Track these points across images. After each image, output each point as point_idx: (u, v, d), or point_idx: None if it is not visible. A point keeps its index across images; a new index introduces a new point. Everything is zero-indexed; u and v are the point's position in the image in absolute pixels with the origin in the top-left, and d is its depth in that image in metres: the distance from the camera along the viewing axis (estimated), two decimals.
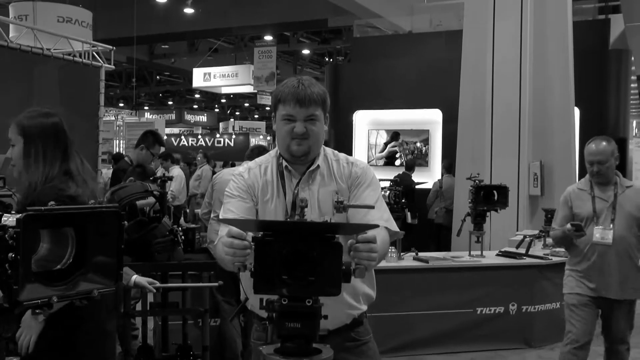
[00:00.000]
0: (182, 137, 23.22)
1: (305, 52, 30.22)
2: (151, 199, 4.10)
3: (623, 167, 11.95)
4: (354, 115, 12.62)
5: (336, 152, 2.60)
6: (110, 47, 8.43)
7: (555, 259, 6.33)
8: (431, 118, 11.80)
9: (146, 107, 36.57)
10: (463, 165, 9.00)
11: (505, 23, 8.63)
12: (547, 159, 8.80)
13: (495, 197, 6.20)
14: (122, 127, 16.64)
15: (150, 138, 5.88)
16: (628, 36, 13.88)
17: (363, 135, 12.70)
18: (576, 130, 9.36)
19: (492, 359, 5.80)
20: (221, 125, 33.23)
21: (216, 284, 4.02)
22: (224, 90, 25.61)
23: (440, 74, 10.89)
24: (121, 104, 33.12)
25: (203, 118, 33.68)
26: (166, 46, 27.66)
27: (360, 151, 12.68)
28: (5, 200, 2.34)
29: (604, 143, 4.36)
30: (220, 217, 2.49)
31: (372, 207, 2.30)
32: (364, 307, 2.54)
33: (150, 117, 30.22)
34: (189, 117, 32.38)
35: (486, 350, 5.94)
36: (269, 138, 29.39)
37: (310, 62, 33.16)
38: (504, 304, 6.08)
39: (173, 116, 31.03)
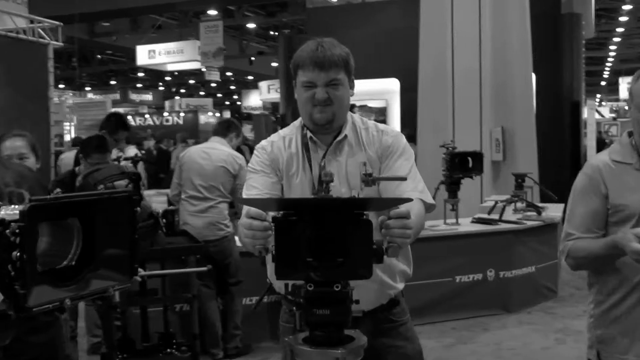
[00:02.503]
0: (129, 116, 22.57)
1: (251, 26, 29.74)
2: (123, 181, 3.86)
3: (577, 130, 12.11)
4: None
5: (365, 119, 2.43)
6: (58, 23, 8.00)
7: (530, 223, 6.33)
8: (389, 87, 11.69)
9: (88, 88, 35.50)
10: (425, 134, 8.91)
11: None
12: (508, 125, 8.77)
13: (470, 164, 6.13)
14: (73, 108, 16.00)
15: (113, 122, 5.54)
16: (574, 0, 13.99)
17: None
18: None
19: (473, 327, 5.76)
20: (167, 103, 32.49)
21: (205, 268, 3.83)
22: (170, 68, 25.00)
23: (397, 43, 10.76)
24: (61, 85, 32.02)
25: (148, 97, 32.86)
26: (107, 24, 26.81)
27: None
28: None
29: None
30: (244, 194, 2.33)
31: (404, 179, 2.13)
32: (401, 286, 2.40)
33: (94, 97, 29.36)
34: (134, 96, 31.54)
35: (467, 318, 5.91)
36: (217, 115, 28.92)
37: (257, 37, 32.69)
38: (482, 270, 6.05)
39: (117, 96, 30.16)
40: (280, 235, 1.62)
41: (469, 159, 6.16)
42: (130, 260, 1.69)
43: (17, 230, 1.41)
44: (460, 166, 6.08)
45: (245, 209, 1.85)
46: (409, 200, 1.80)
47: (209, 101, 33.32)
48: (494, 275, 6.09)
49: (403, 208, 1.79)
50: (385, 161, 2.31)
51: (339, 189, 2.22)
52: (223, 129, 5.29)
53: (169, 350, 4.15)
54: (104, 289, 1.64)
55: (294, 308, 1.81)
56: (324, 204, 1.71)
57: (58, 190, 1.56)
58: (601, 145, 23.54)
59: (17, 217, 1.46)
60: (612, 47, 38.48)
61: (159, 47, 22.48)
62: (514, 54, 8.70)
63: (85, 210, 1.61)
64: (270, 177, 2.27)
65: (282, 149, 2.31)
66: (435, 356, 4.94)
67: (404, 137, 2.40)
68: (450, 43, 8.59)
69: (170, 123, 23.01)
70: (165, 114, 24.23)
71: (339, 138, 2.29)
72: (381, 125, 2.40)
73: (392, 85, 11.64)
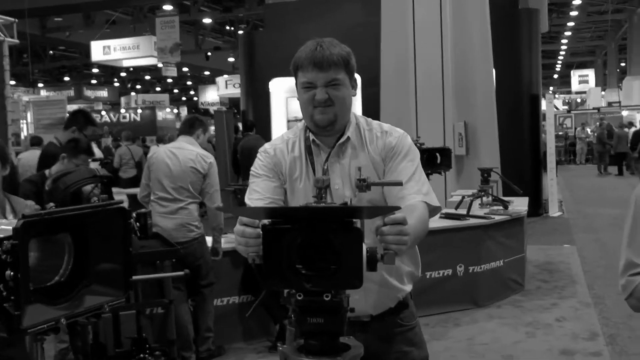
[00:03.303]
0: None
1: (207, 21, 29.46)
2: (89, 186, 3.74)
3: (536, 123, 12.29)
4: (270, 83, 12.36)
5: (369, 119, 2.35)
6: (12, 19, 7.79)
7: (497, 218, 6.38)
8: None
9: (41, 84, 34.70)
10: None
11: None
12: (470, 119, 8.83)
13: (439, 160, 6.15)
14: (27, 106, 15.54)
15: (81, 119, 5.37)
16: None
17: (281, 104, 12.46)
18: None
19: (445, 322, 5.79)
20: (123, 99, 31.98)
21: (181, 273, 3.74)
22: (125, 64, 24.57)
23: (357, 39, 10.67)
24: (12, 82, 31.25)
25: (104, 93, 32.31)
26: (60, 19, 26.25)
27: (278, 120, 12.45)
28: None
29: None
30: (246, 198, 2.25)
31: (400, 184, 2.07)
32: (409, 288, 2.33)
33: (51, 95, 28.71)
34: (88, 92, 30.97)
35: (438, 313, 5.92)
36: (175, 111, 28.59)
37: (212, 32, 32.43)
38: (452, 266, 6.07)
39: (72, 92, 29.56)
40: (268, 243, 1.59)
41: (437, 154, 6.17)
42: (124, 274, 1.63)
43: (10, 248, 1.34)
44: (428, 162, 6.09)
45: (239, 218, 1.80)
46: (398, 208, 1.77)
47: (165, 97, 32.89)
48: (463, 270, 6.13)
49: (400, 213, 1.75)
50: (389, 163, 2.24)
51: (343, 192, 2.19)
52: (187, 127, 5.18)
53: (142, 355, 4.05)
54: (99, 306, 1.57)
55: (291, 316, 1.78)
56: (313, 213, 1.67)
57: (52, 204, 1.49)
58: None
59: (7, 233, 1.39)
60: (564, 41, 39.22)
61: (114, 42, 22.08)
62: (475, 49, 8.76)
63: (76, 224, 1.54)
64: (273, 181, 2.22)
65: (285, 153, 2.26)
66: None
67: (409, 137, 2.33)
68: (412, 38, 8.60)
69: (127, 120, 22.66)
70: (122, 110, 23.82)
71: (341, 140, 2.22)
72: (385, 126, 2.32)
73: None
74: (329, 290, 1.61)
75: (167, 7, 21.93)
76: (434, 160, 6.16)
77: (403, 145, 2.25)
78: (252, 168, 2.29)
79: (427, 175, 6.06)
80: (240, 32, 30.00)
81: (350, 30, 11.33)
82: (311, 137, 2.23)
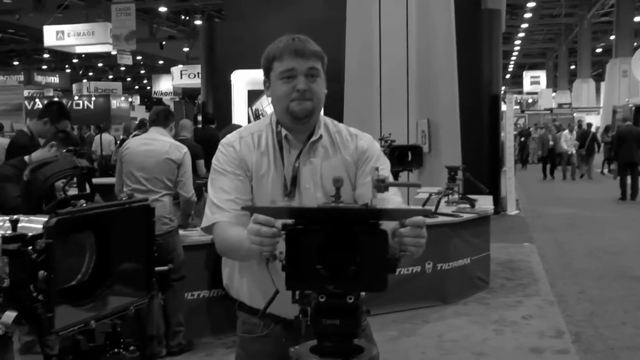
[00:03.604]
0: (37, 100, 21.52)
1: (163, 9, 29.03)
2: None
3: (496, 122, 12.47)
4: (232, 75, 12.22)
5: (335, 121, 2.31)
6: None
7: (466, 216, 6.44)
8: None
9: None
10: (351, 125, 8.87)
11: None
12: (433, 117, 8.90)
13: (409, 157, 6.17)
14: None
15: (55, 111, 5.19)
16: None
17: (242, 96, 12.33)
18: None
19: (413, 318, 5.82)
20: (75, 86, 31.24)
21: (166, 267, 3.64)
22: (79, 50, 23.97)
23: (319, 33, 10.54)
24: None
25: (55, 79, 31.44)
26: (9, 1, 25.49)
27: (239, 112, 12.32)
28: None
29: None
30: (211, 197, 2.13)
31: (419, 185, 2.07)
32: None
33: (6, 80, 27.89)
34: (39, 78, 30.09)
35: (406, 310, 5.94)
36: (130, 99, 28.08)
37: (167, 21, 31.98)
38: (421, 263, 6.10)
39: (21, 77, 28.71)
40: (292, 244, 1.55)
41: (409, 152, 6.19)
42: (147, 274, 1.57)
43: (44, 247, 1.27)
44: (399, 160, 6.11)
45: (253, 216, 1.75)
46: (430, 210, 1.76)
47: (118, 85, 32.29)
48: (431, 267, 6.17)
49: (419, 217, 1.73)
50: (362, 166, 2.22)
51: (314, 194, 2.14)
52: (163, 119, 5.08)
53: (116, 350, 3.95)
54: (125, 307, 1.52)
55: (300, 316, 1.75)
56: (342, 214, 1.65)
57: (82, 201, 1.42)
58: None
59: (34, 231, 1.32)
60: (517, 42, 39.98)
61: (67, 28, 21.51)
62: (439, 47, 8.82)
63: (101, 223, 1.48)
64: (240, 178, 2.13)
65: (251, 147, 2.17)
66: (380, 350, 4.94)
67: (376, 142, 2.34)
68: (377, 35, 8.60)
69: (80, 107, 22.13)
70: (76, 97, 23.26)
71: (314, 138, 2.17)
72: (352, 129, 2.31)
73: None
74: (351, 292, 1.60)
75: None
76: (405, 158, 6.18)
77: (374, 149, 2.25)
78: (214, 162, 2.18)
79: (397, 172, 6.15)
80: (198, 22, 29.82)
81: (312, 24, 11.23)
82: (283, 132, 2.16)
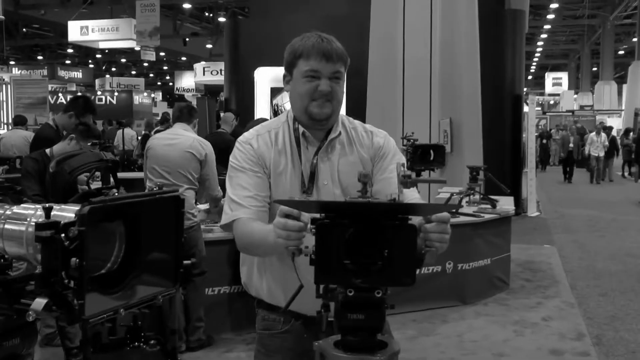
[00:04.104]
0: (60, 94, 21.72)
1: (187, 6, 29.16)
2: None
3: (518, 123, 12.39)
4: (255, 72, 12.25)
5: (350, 118, 2.33)
6: None
7: (487, 216, 6.41)
8: None
9: (12, 62, 34.04)
10: (374, 123, 8.79)
11: None
12: (456, 117, 8.86)
13: (432, 157, 6.14)
14: (8, 85, 15.18)
15: (81, 105, 5.24)
16: None
17: (265, 93, 12.36)
18: None
19: (432, 318, 5.81)
20: (97, 81, 31.51)
21: (189, 261, 3.67)
22: (102, 45, 24.18)
23: (343, 29, 10.61)
24: None
25: (78, 74, 31.69)
26: None
27: (262, 109, 12.35)
28: None
29: None
30: (230, 194, 2.15)
31: (444, 182, 2.08)
32: None
33: (18, 73, 28.16)
34: (62, 73, 30.35)
35: (426, 309, 5.93)
36: (153, 95, 28.25)
37: (191, 17, 32.12)
38: (441, 262, 6.09)
39: (45, 72, 28.99)
40: (322, 239, 1.55)
41: (431, 151, 6.17)
42: (175, 264, 1.59)
43: (77, 234, 1.29)
44: (421, 158, 6.08)
45: (280, 207, 1.76)
46: (460, 206, 1.77)
47: (140, 81, 32.48)
48: (452, 267, 6.15)
49: (444, 213, 1.74)
50: (378, 162, 2.23)
51: (332, 190, 2.15)
52: (187, 115, 5.12)
53: (137, 344, 3.98)
54: (153, 296, 1.53)
55: (322, 311, 1.76)
56: (371, 209, 1.65)
57: (114, 190, 1.44)
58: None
59: (69, 219, 1.34)
60: (539, 43, 39.68)
61: (92, 23, 21.67)
62: (462, 47, 8.78)
63: (131, 212, 1.49)
64: (259, 175, 2.14)
65: (269, 144, 2.17)
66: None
67: (391, 138, 2.34)
68: (401, 33, 8.58)
69: (103, 102, 22.31)
70: (99, 92, 23.46)
71: (332, 135, 2.18)
72: (367, 126, 2.33)
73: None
74: (379, 287, 1.60)
75: None
76: (427, 157, 6.15)
77: (390, 146, 2.27)
78: (232, 159, 2.19)
79: (420, 171, 6.13)
80: (221, 19, 29.95)
81: (336, 20, 11.26)
82: (300, 129, 2.17)
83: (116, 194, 1.45)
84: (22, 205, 1.57)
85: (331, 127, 2.20)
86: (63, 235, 1.30)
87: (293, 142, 2.19)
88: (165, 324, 4.59)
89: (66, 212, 1.41)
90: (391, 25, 8.63)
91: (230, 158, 2.22)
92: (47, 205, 1.36)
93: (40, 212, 1.46)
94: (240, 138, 2.23)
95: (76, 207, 1.40)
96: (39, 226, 1.31)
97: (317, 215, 1.63)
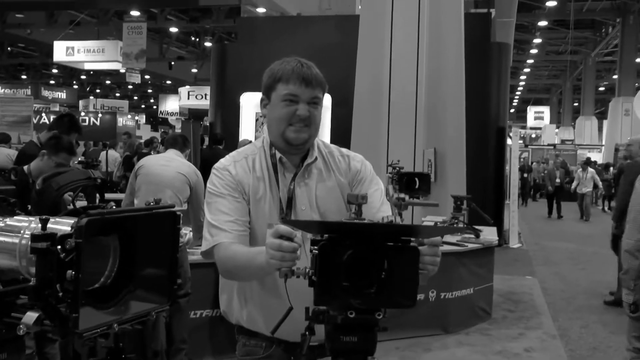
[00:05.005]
0: (43, 114, 21.58)
1: (173, 30, 29.26)
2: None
3: (501, 155, 12.49)
4: (241, 97, 12.29)
5: (325, 142, 2.33)
6: None
7: (470, 246, 6.43)
8: None
9: None
10: (359, 151, 8.83)
11: (403, 10, 8.60)
12: (440, 147, 8.91)
13: (417, 185, 6.16)
14: None
15: (66, 124, 5.20)
16: (497, 29, 14.48)
17: (250, 118, 12.39)
18: None
19: (415, 347, 5.79)
20: (81, 102, 31.38)
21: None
22: (88, 67, 24.13)
23: (330, 58, 10.76)
24: None
25: (62, 95, 31.52)
26: (21, 15, 25.71)
27: (247, 134, 12.37)
28: None
29: None
30: (210, 220, 2.10)
31: (437, 205, 2.09)
32: None
33: (2, 91, 28.02)
34: (46, 92, 30.19)
35: (408, 337, 5.91)
36: (137, 118, 28.16)
37: (177, 41, 32.24)
38: (425, 291, 6.08)
39: (28, 91, 28.82)
40: (324, 259, 1.54)
41: (416, 179, 6.19)
42: (169, 280, 1.57)
43: (74, 246, 1.27)
44: (407, 186, 6.10)
45: (274, 227, 1.74)
46: (457, 230, 1.79)
47: (125, 103, 32.44)
48: (435, 295, 6.14)
49: (437, 237, 1.78)
50: (357, 187, 2.23)
51: (310, 215, 2.13)
52: (182, 144, 5.21)
53: None
54: (146, 312, 1.51)
55: (306, 333, 1.75)
56: (374, 230, 1.65)
57: (112, 203, 1.42)
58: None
59: (64, 232, 1.32)
60: (522, 77, 40.24)
61: (78, 44, 21.67)
62: (449, 78, 8.84)
63: (126, 226, 1.48)
64: (239, 200, 2.11)
65: (246, 170, 2.16)
66: None
67: (368, 162, 2.34)
68: (388, 63, 8.66)
69: (87, 123, 22.16)
70: (82, 113, 23.31)
71: (309, 161, 2.18)
72: (343, 150, 2.32)
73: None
74: (380, 308, 1.60)
75: (135, 13, 21.69)
76: (413, 185, 6.17)
77: (367, 169, 2.27)
78: (209, 185, 2.17)
79: (403, 199, 6.14)
80: (207, 44, 30.06)
81: (324, 48, 11.37)
82: (277, 155, 2.16)
83: (114, 207, 1.43)
84: (15, 217, 1.55)
85: (307, 152, 2.20)
86: (59, 247, 1.29)
87: (270, 168, 2.18)
88: (147, 345, 4.54)
89: (61, 225, 1.39)
90: (378, 55, 8.69)
91: (208, 184, 2.20)
92: (43, 217, 1.35)
93: (34, 225, 1.45)
94: (217, 165, 2.21)
95: (71, 221, 1.38)
96: (35, 237, 1.30)
97: (309, 236, 1.63)
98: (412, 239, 1.63)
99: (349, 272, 1.54)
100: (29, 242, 1.33)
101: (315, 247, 1.53)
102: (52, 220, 1.43)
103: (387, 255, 1.55)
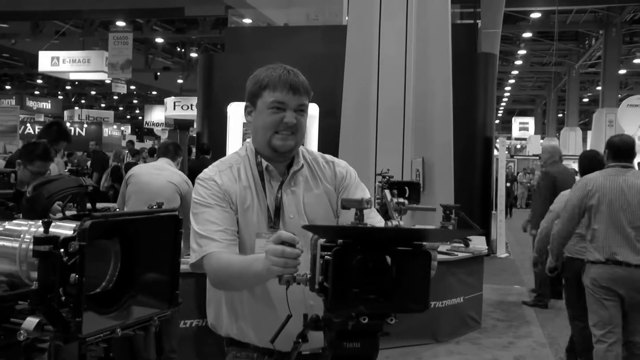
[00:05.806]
0: (28, 124, 21.44)
1: (159, 40, 29.21)
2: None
3: (488, 165, 12.55)
4: (228, 107, 12.27)
5: (309, 149, 2.32)
6: None
7: (460, 255, 6.44)
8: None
9: None
10: (347, 161, 8.89)
11: (390, 20, 8.64)
12: (428, 156, 8.94)
13: (407, 193, 6.17)
14: None
15: (54, 132, 5.15)
16: (483, 40, 14.60)
17: (238, 128, 12.37)
18: None
19: (406, 356, 5.77)
20: (66, 113, 31.20)
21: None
22: (73, 77, 24.03)
23: (317, 68, 10.78)
24: None
25: (47, 105, 31.31)
26: (6, 25, 25.57)
27: (234, 144, 12.34)
28: None
29: None
30: (198, 230, 2.08)
31: (434, 209, 2.09)
32: None
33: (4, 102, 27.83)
34: (31, 103, 29.99)
35: (398, 347, 5.89)
36: (122, 128, 28.05)
37: (163, 52, 32.18)
38: None
39: (13, 101, 28.62)
40: (338, 265, 1.52)
41: (406, 188, 6.19)
42: (170, 286, 1.55)
43: (78, 249, 1.25)
44: (397, 195, 6.10)
45: (276, 234, 1.72)
46: (472, 233, 1.79)
47: (110, 114, 32.28)
48: None
49: (435, 242, 1.80)
50: (343, 192, 2.22)
51: (298, 223, 2.09)
52: (173, 153, 5.19)
53: None
54: (148, 318, 1.50)
55: (299, 341, 1.74)
56: (387, 234, 1.64)
57: (115, 205, 1.40)
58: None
59: (66, 235, 1.30)
60: (507, 88, 40.51)
61: (63, 54, 21.58)
62: (436, 88, 8.89)
63: (128, 230, 1.46)
64: (227, 210, 2.09)
65: (232, 180, 2.14)
66: None
67: (352, 168, 2.34)
68: (376, 72, 8.68)
69: (72, 134, 22.08)
70: (68, 124, 23.19)
71: (295, 168, 2.17)
72: (327, 156, 2.32)
73: (310, 110, 11.62)
74: (392, 314, 1.60)
75: (120, 24, 21.65)
76: (403, 194, 6.18)
77: (352, 175, 2.27)
78: (195, 196, 2.15)
79: (403, 204, 6.14)
80: (193, 54, 30.02)
81: (311, 59, 11.38)
82: (264, 163, 2.15)
83: (116, 209, 1.41)
84: (14, 221, 1.53)
85: (292, 160, 2.19)
86: (62, 250, 1.27)
87: (257, 176, 2.16)
88: (137, 355, 4.49)
89: (62, 229, 1.37)
90: (366, 65, 8.71)
91: (193, 195, 2.18)
92: (45, 219, 1.33)
93: (34, 229, 1.43)
94: (201, 175, 2.18)
95: (73, 224, 1.36)
96: (37, 240, 1.28)
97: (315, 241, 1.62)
98: (424, 243, 1.62)
99: (361, 277, 1.52)
100: (30, 246, 1.31)
101: (328, 253, 1.51)
102: (53, 223, 1.41)
103: (400, 260, 1.54)
